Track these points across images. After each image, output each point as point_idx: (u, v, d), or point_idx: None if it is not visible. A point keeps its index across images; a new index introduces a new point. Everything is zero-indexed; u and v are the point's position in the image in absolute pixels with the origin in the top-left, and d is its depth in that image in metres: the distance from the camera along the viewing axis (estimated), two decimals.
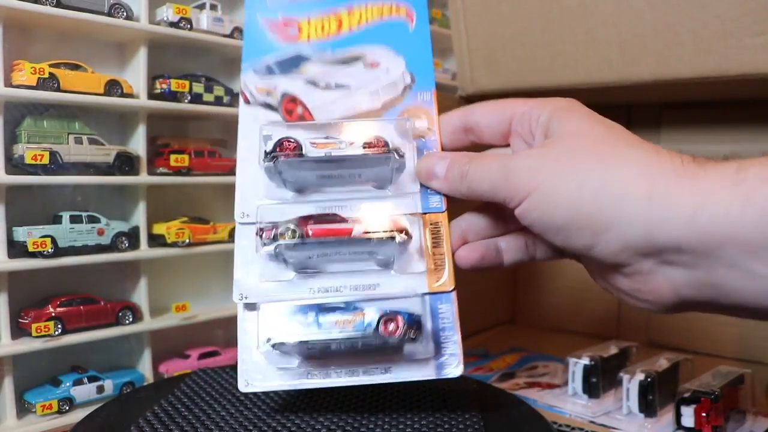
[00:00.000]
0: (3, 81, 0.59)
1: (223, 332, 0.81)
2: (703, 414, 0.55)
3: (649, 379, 0.60)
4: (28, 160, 0.60)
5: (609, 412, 0.62)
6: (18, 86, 0.60)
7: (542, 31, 0.74)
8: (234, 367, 0.65)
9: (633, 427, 0.58)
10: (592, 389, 0.65)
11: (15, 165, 0.61)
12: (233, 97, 0.76)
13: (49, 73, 0.61)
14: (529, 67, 0.76)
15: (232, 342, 0.82)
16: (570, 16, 0.72)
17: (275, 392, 0.57)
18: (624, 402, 0.61)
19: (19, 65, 0.60)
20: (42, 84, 0.61)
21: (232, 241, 0.81)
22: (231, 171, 0.76)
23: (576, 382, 0.66)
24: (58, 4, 0.61)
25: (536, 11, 0.75)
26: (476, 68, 0.81)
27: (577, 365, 0.65)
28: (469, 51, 0.81)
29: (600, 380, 0.65)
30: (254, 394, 0.56)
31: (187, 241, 0.72)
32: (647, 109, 0.87)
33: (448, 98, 0.83)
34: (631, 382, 0.60)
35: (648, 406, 0.59)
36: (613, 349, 0.69)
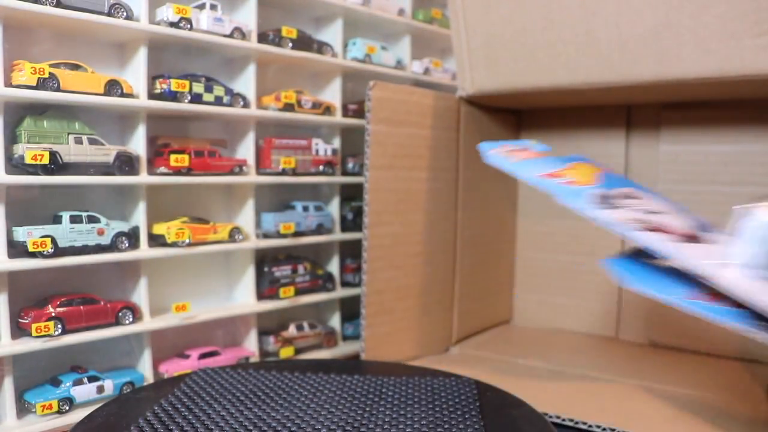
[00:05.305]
0: (3, 81, 0.59)
1: (223, 332, 0.81)
2: None
3: None
4: (28, 160, 0.60)
5: None
6: (18, 86, 0.60)
7: (542, 31, 0.74)
8: (234, 367, 0.65)
9: None
10: None
11: (15, 165, 0.61)
12: (233, 97, 0.76)
13: (49, 73, 0.61)
14: (529, 67, 0.76)
15: (232, 342, 0.82)
16: (570, 16, 0.72)
17: (274, 392, 0.57)
18: None
19: (19, 65, 0.60)
20: (42, 84, 0.61)
21: (232, 241, 0.81)
22: (231, 171, 0.76)
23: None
24: (58, 4, 0.61)
25: (536, 11, 0.75)
26: (476, 68, 0.81)
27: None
28: (469, 51, 0.81)
29: None
30: (254, 393, 0.56)
31: (187, 241, 0.72)
32: (647, 109, 0.87)
33: (449, 98, 0.83)
34: None
35: None
36: None
